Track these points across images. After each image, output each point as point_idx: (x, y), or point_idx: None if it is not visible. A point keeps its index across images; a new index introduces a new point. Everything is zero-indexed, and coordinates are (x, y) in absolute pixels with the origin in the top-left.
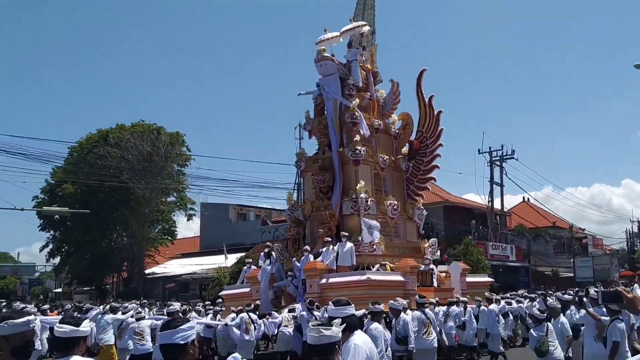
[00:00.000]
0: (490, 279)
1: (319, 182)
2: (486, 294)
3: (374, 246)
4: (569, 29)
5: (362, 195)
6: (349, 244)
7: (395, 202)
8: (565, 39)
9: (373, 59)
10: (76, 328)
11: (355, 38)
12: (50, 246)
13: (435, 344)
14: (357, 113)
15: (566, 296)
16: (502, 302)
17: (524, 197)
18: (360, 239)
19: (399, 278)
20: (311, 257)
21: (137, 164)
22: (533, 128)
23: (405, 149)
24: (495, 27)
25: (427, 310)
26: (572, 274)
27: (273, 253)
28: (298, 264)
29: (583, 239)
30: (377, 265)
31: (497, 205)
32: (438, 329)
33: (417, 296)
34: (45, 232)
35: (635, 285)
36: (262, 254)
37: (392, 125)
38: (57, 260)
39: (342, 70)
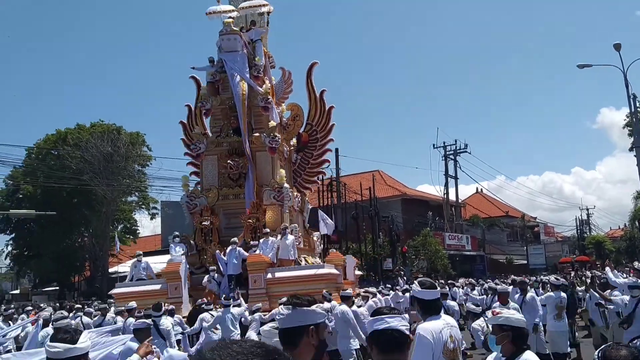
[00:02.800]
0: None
1: (229, 168)
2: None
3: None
4: (517, 25)
5: (286, 185)
6: (291, 237)
7: (297, 194)
8: (513, 37)
9: (265, 43)
10: (72, 346)
11: (253, 17)
12: (9, 248)
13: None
14: (269, 98)
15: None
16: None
17: (477, 188)
18: (296, 231)
19: (336, 272)
20: (240, 249)
21: (97, 164)
22: (484, 122)
23: (293, 141)
24: (447, 22)
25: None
26: (525, 261)
27: (190, 242)
28: (223, 258)
29: (535, 227)
30: (302, 259)
31: (452, 196)
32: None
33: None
34: (2, 234)
35: (607, 268)
36: (171, 243)
37: (281, 114)
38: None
39: (247, 49)
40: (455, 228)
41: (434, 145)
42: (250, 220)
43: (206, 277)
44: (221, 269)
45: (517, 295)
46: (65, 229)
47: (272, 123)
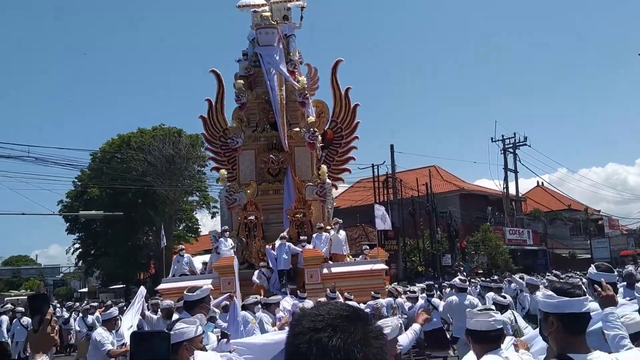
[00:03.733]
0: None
1: (270, 162)
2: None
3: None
4: (573, 15)
5: (328, 180)
6: (343, 232)
7: None
8: (567, 25)
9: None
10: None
11: (285, 12)
12: (79, 247)
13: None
14: (306, 93)
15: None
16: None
17: (538, 182)
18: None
19: (385, 267)
20: (290, 244)
21: (160, 166)
22: (544, 113)
23: (319, 138)
24: (498, 13)
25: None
26: (589, 255)
27: (241, 238)
28: (273, 253)
29: (599, 220)
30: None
31: (512, 190)
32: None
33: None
34: (72, 234)
35: None
36: (221, 238)
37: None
38: (84, 261)
39: (283, 43)
40: (515, 223)
41: (492, 138)
42: (298, 216)
43: (256, 273)
44: (270, 264)
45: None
46: (130, 229)
47: (311, 118)
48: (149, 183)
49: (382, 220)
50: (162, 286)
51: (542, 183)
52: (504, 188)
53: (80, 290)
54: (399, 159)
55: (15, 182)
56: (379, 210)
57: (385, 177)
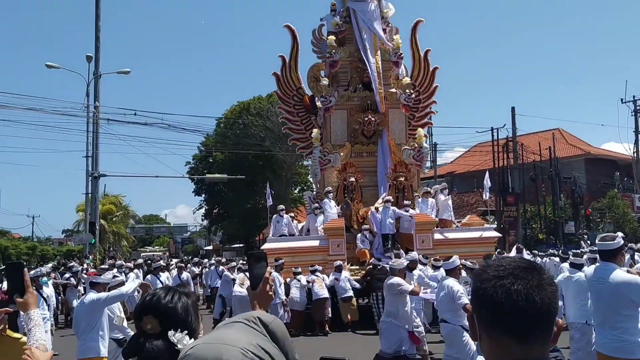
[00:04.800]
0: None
1: (365, 124)
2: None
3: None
4: None
5: (425, 144)
6: (443, 197)
7: None
8: None
9: None
10: None
11: None
12: (204, 207)
13: None
14: (401, 52)
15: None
16: None
17: None
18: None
19: (497, 235)
20: (394, 208)
21: (277, 131)
22: None
23: None
24: None
25: None
26: None
27: (347, 201)
28: (378, 216)
29: None
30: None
31: None
32: None
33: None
34: (197, 196)
35: None
36: (325, 199)
37: None
38: (208, 221)
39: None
40: None
41: (622, 99)
42: (401, 179)
43: (359, 236)
44: (375, 227)
45: None
46: (250, 191)
47: (406, 79)
48: (268, 147)
49: (487, 188)
50: (266, 246)
51: None
52: (634, 152)
53: (205, 248)
54: (520, 122)
55: (150, 147)
56: (487, 180)
57: (506, 141)
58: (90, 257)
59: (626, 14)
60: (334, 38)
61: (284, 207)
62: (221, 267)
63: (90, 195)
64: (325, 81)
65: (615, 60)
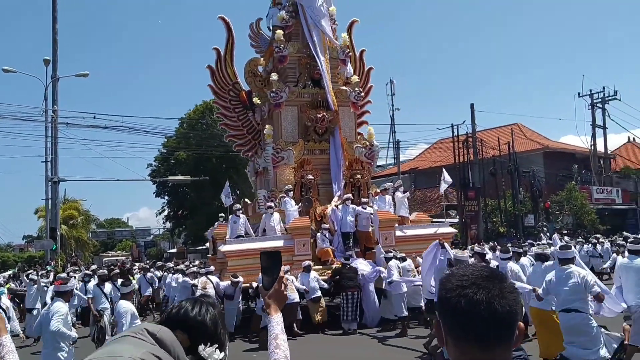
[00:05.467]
0: (451, 230)
1: (318, 121)
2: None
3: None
4: None
5: (376, 142)
6: (401, 194)
7: None
8: None
9: None
10: None
11: None
12: (166, 210)
13: None
14: (349, 51)
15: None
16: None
17: (629, 137)
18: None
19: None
20: (353, 206)
21: None
22: (635, 65)
23: None
24: None
25: None
26: None
27: (309, 198)
28: (339, 214)
29: None
30: None
31: (600, 148)
32: None
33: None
34: (159, 198)
35: None
36: (286, 197)
37: None
38: (171, 223)
39: None
40: (604, 181)
41: (579, 93)
42: (358, 177)
43: (318, 235)
44: (335, 226)
45: None
46: (215, 192)
47: (355, 78)
48: (231, 147)
49: (446, 183)
50: (226, 248)
51: (634, 138)
52: (591, 145)
53: (169, 251)
54: (479, 118)
55: (110, 150)
56: (445, 173)
57: (466, 137)
58: (52, 263)
59: (582, 8)
60: (282, 32)
61: (240, 207)
62: (176, 275)
63: (50, 200)
64: (275, 76)
65: (571, 55)
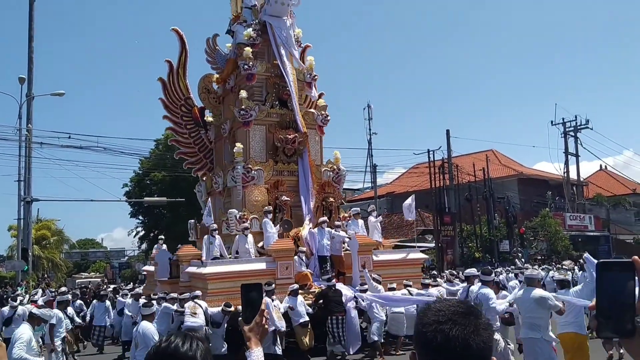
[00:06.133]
0: (422, 256)
1: (288, 142)
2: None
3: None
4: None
5: (342, 167)
6: (373, 218)
7: None
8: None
9: None
10: None
11: None
12: (141, 230)
13: None
14: (315, 74)
15: None
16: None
17: (601, 165)
18: (374, 212)
19: (423, 257)
20: (329, 229)
21: None
22: (607, 94)
23: None
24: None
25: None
26: None
27: (289, 220)
28: (317, 237)
29: None
30: None
31: (573, 175)
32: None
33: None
34: (134, 218)
35: None
36: (265, 218)
37: None
38: (147, 243)
39: (291, 18)
40: (577, 208)
41: (552, 122)
42: (331, 200)
43: (296, 259)
44: (313, 249)
45: None
46: (191, 212)
47: (322, 101)
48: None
49: (409, 210)
50: (207, 270)
51: (606, 167)
52: (564, 172)
53: (144, 272)
54: (455, 144)
55: (85, 171)
56: (408, 201)
57: (442, 162)
58: (23, 284)
59: (554, 38)
60: (250, 50)
61: (216, 227)
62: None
63: (22, 220)
64: (244, 93)
65: (544, 84)
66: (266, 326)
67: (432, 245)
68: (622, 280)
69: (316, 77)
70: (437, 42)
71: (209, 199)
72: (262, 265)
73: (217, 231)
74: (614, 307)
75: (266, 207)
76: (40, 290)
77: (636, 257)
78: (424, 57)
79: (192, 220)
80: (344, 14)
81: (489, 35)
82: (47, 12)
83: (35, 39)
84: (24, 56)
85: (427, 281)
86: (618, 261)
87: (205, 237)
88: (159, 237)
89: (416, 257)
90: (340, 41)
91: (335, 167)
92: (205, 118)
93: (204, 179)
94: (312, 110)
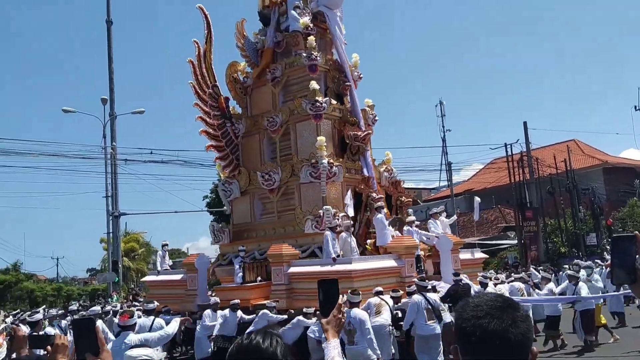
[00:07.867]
0: (484, 255)
1: (357, 139)
2: (480, 274)
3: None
4: None
5: (393, 167)
6: (445, 219)
7: None
8: None
9: None
10: None
11: None
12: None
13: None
14: (359, 73)
15: None
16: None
17: None
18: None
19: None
20: (416, 229)
21: None
22: None
23: None
24: None
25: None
26: None
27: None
28: (415, 236)
29: None
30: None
31: None
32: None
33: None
34: None
35: None
36: (380, 215)
37: None
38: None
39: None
40: None
41: (635, 106)
42: (404, 199)
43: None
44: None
45: None
46: None
47: (369, 101)
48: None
49: (476, 211)
50: (353, 267)
51: None
52: None
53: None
54: (533, 136)
55: (168, 183)
56: (476, 201)
57: (520, 156)
58: (115, 295)
59: (634, 22)
60: (314, 38)
61: (167, 242)
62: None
63: (111, 234)
64: (315, 85)
65: (625, 68)
66: (342, 320)
67: (515, 242)
68: (628, 247)
69: (361, 76)
70: (511, 33)
71: (349, 191)
72: (392, 263)
73: (167, 245)
74: (623, 264)
75: (379, 203)
76: (118, 304)
77: (637, 232)
78: (496, 48)
79: (215, 223)
80: (411, 9)
81: (567, 24)
82: (122, 36)
83: (114, 59)
84: (105, 77)
85: (485, 280)
86: (625, 235)
87: (329, 233)
88: (163, 243)
89: (478, 256)
90: (405, 35)
91: (389, 167)
92: (230, 109)
93: (235, 174)
94: (365, 108)
